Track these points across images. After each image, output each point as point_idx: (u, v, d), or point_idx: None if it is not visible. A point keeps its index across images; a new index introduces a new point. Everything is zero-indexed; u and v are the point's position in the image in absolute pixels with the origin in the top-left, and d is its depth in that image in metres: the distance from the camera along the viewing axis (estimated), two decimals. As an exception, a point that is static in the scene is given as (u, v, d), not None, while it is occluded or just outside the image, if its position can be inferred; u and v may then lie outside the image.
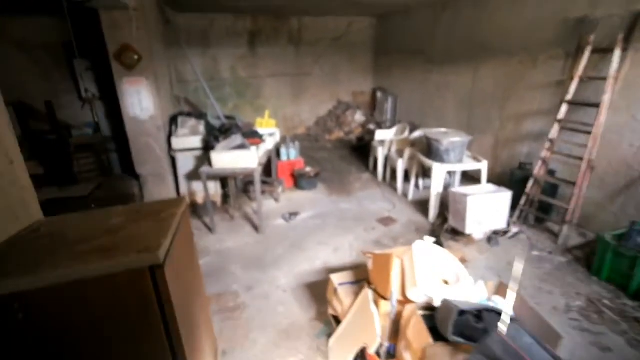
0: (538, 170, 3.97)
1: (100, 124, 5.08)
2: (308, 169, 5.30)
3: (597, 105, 3.45)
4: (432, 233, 3.98)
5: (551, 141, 3.87)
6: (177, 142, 4.30)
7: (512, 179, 4.42)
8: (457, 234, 3.83)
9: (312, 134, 8.33)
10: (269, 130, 4.82)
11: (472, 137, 4.05)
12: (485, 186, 3.95)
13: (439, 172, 4.08)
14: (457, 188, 3.86)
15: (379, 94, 8.37)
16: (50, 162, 4.35)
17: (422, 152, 4.49)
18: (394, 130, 5.83)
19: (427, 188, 5.23)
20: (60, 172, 4.27)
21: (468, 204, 3.57)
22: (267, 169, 5.37)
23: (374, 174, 5.78)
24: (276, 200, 4.86)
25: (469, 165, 4.16)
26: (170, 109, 4.87)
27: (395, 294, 1.96)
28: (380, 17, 8.00)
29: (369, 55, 8.57)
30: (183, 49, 5.80)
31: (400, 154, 5.16)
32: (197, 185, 4.51)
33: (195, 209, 4.52)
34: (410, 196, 4.89)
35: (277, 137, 5.00)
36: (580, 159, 3.56)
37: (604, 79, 3.39)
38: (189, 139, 4.31)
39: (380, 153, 5.50)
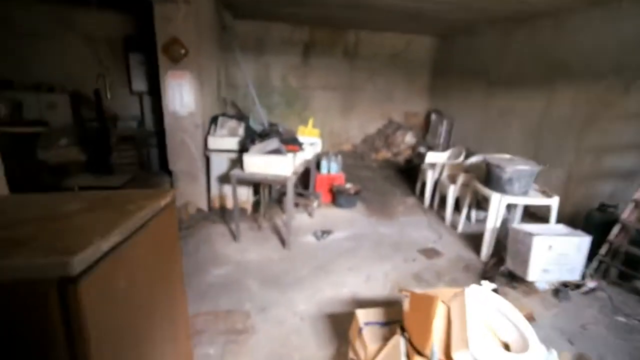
0: (628, 214, 3.25)
1: (145, 117, 5.09)
2: (348, 186, 4.89)
3: None
4: (484, 274, 3.37)
5: (648, 181, 3.16)
6: (213, 142, 4.12)
7: (588, 222, 3.69)
8: (515, 279, 3.20)
9: (358, 152, 7.94)
10: (311, 139, 4.51)
11: (542, 166, 3.43)
12: (555, 226, 3.30)
13: (498, 203, 3.49)
14: (520, 225, 3.25)
15: (433, 116, 7.83)
16: (92, 150, 4.35)
17: (479, 180, 3.92)
18: (447, 153, 5.28)
19: (480, 221, 4.61)
20: (100, 160, 4.25)
21: (533, 245, 2.95)
22: (305, 180, 5.04)
23: (421, 200, 5.23)
24: (310, 215, 4.50)
25: (536, 199, 3.52)
26: (215, 110, 4.75)
27: (437, 353, 1.48)
28: (442, 36, 7.56)
29: (426, 75, 8.11)
30: (235, 54, 5.75)
31: (452, 179, 4.60)
32: (229, 189, 4.27)
33: (224, 214, 4.27)
34: (460, 228, 4.29)
35: (319, 148, 4.68)
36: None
37: None
38: (225, 140, 4.12)
39: (430, 177, 4.97)
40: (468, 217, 4.51)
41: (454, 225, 4.43)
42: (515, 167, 3.43)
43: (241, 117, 4.54)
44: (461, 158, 4.90)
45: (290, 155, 3.47)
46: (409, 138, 8.02)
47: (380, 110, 8.20)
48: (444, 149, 7.12)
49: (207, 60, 4.37)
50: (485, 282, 1.82)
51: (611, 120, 3.86)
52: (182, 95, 3.88)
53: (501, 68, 5.70)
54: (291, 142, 3.88)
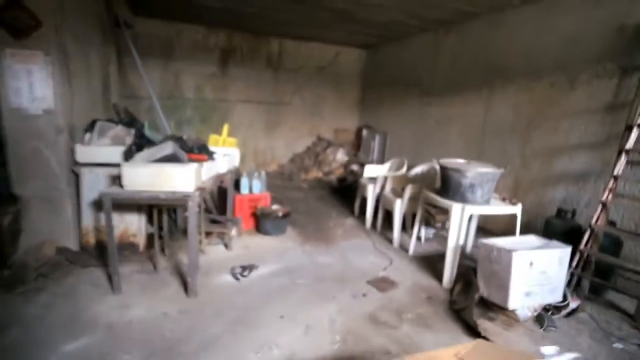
0: (596, 219, 2.84)
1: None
2: (275, 207, 3.99)
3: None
4: (452, 305, 2.68)
5: (615, 179, 2.80)
6: (84, 153, 2.95)
7: (547, 230, 3.27)
8: (489, 308, 2.55)
9: (286, 172, 7.11)
10: (226, 150, 3.56)
11: (503, 168, 2.93)
12: (525, 238, 2.76)
13: (460, 215, 2.88)
14: (490, 240, 2.64)
15: (364, 132, 7.39)
16: None
17: (431, 191, 3.32)
18: (387, 165, 4.71)
19: (430, 240, 4.02)
20: None
21: (513, 263, 2.34)
22: (221, 203, 4.03)
23: (361, 220, 4.52)
24: (227, 246, 3.47)
25: (500, 208, 2.99)
26: (98, 116, 3.55)
27: None
28: (371, 47, 7.28)
29: (355, 90, 7.74)
30: (133, 55, 4.66)
31: (397, 193, 3.98)
32: (113, 218, 3.08)
33: (103, 253, 3.04)
34: (412, 250, 3.62)
35: (237, 161, 3.74)
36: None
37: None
38: (104, 151, 2.98)
39: (371, 192, 4.30)
40: (418, 237, 3.88)
41: (403, 247, 3.76)
42: (476, 170, 2.87)
43: (131, 122, 3.43)
44: (404, 169, 4.34)
45: (193, 165, 2.48)
46: (341, 155, 7.45)
47: (309, 127, 7.55)
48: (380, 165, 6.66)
49: (80, 47, 3.24)
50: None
51: (557, 119, 3.59)
52: (31, 86, 2.70)
53: (435, 76, 5.43)
54: (196, 150, 2.90)
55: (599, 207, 2.84)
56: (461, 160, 3.28)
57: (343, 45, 7.20)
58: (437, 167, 3.83)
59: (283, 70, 6.99)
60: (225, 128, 3.91)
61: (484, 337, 2.23)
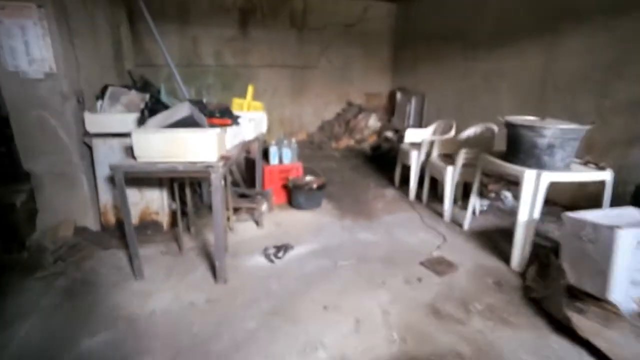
0: None
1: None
2: (309, 179, 3.59)
3: None
4: (528, 292, 2.23)
5: None
6: (95, 122, 2.61)
7: (638, 200, 2.70)
8: (579, 298, 2.08)
9: (316, 141, 6.66)
10: (251, 114, 3.14)
11: (589, 125, 2.36)
12: (621, 211, 2.23)
13: (534, 184, 2.36)
14: (580, 214, 2.14)
15: (399, 96, 6.77)
16: None
17: (493, 155, 2.80)
18: (431, 128, 4.17)
19: (484, 212, 3.53)
20: None
21: (617, 245, 1.84)
22: (250, 175, 3.67)
23: (403, 191, 4.06)
24: (258, 223, 3.12)
25: (586, 174, 2.44)
26: (112, 82, 3.20)
27: None
28: (402, 0, 6.49)
29: (387, 50, 7.03)
30: (145, 18, 4.23)
31: (447, 159, 3.47)
32: (132, 194, 2.78)
33: (125, 232, 2.76)
34: (467, 224, 3.15)
35: (264, 127, 3.32)
36: None
37: None
38: (117, 118, 2.63)
39: (414, 160, 3.80)
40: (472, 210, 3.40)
41: (455, 221, 3.30)
42: (557, 126, 2.31)
43: (146, 87, 3.06)
44: (452, 132, 3.79)
45: (215, 130, 2.08)
46: (373, 122, 6.89)
47: (338, 92, 6.99)
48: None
49: (82, 3, 2.84)
50: None
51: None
52: (27, 45, 2.34)
53: (481, 26, 4.70)
54: (218, 114, 2.49)
55: None
56: (531, 118, 2.71)
57: (373, -3, 6.47)
58: (495, 128, 3.29)
59: (308, 30, 6.38)
60: (250, 90, 3.48)
61: (578, 336, 1.79)
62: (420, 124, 6.17)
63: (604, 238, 1.90)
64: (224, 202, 2.17)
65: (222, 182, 2.11)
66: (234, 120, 2.54)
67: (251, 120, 2.85)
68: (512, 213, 3.47)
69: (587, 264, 2.00)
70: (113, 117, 2.60)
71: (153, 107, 2.46)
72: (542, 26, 3.82)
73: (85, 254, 2.59)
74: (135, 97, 2.92)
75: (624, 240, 1.84)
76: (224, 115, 2.48)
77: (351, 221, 3.29)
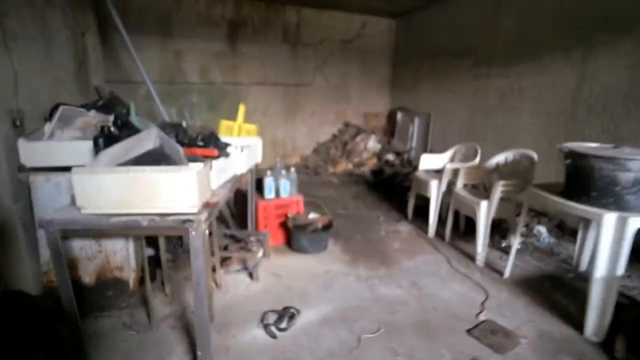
0: None
1: None
2: (312, 216, 2.98)
3: None
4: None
5: None
6: (34, 152, 1.97)
7: None
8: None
9: (311, 165, 6.09)
10: (244, 140, 2.55)
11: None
12: None
13: (617, 232, 1.82)
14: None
15: (399, 116, 6.30)
16: None
17: (544, 189, 2.26)
18: (449, 154, 3.65)
19: (520, 251, 2.97)
20: None
21: None
22: (241, 210, 3.05)
23: (418, 225, 3.51)
24: (252, 275, 2.48)
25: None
26: (71, 100, 2.56)
27: None
28: (403, 15, 6.12)
29: (386, 67, 6.61)
30: (119, 29, 3.67)
31: (476, 192, 2.93)
32: (86, 245, 2.11)
33: (77, 295, 2.05)
34: (508, 271, 2.58)
35: (259, 155, 2.72)
36: None
37: None
38: (66, 147, 2.00)
39: (434, 191, 3.25)
40: (504, 249, 2.86)
41: (490, 266, 2.73)
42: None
43: (110, 105, 2.44)
44: (477, 159, 3.27)
45: (194, 167, 1.47)
46: (373, 144, 6.38)
47: (334, 112, 6.49)
48: (419, 153, 5.60)
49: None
50: None
51: None
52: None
53: (495, 39, 4.29)
54: (201, 142, 1.89)
55: None
56: (593, 144, 2.20)
57: (370, 13, 6.07)
58: (534, 156, 2.77)
59: (302, 46, 5.91)
60: (242, 110, 2.89)
61: None
62: (425, 146, 5.69)
63: None
64: (207, 267, 1.54)
65: (203, 241, 1.48)
66: (223, 150, 1.93)
67: (244, 149, 2.24)
68: (552, 253, 2.96)
69: None
70: (60, 146, 1.97)
71: (113, 134, 1.84)
72: (572, 38, 3.39)
73: (13, 330, 1.89)
74: (95, 119, 2.30)
75: None
76: (208, 144, 1.88)
77: (366, 269, 2.68)
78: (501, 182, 2.61)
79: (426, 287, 2.44)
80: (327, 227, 2.91)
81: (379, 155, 6.27)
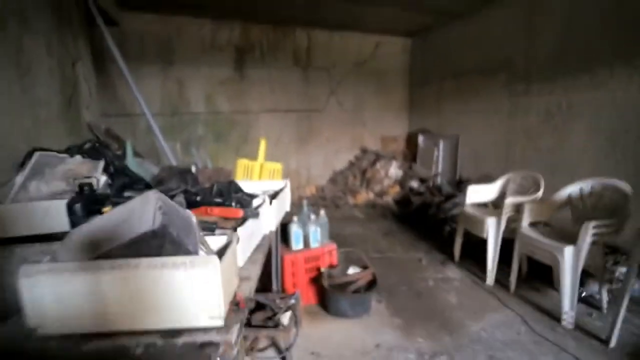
0: None
1: None
2: (352, 271, 2.43)
3: None
4: None
5: None
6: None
7: None
8: None
9: (328, 197, 5.58)
10: (269, 184, 2.04)
11: None
12: None
13: None
14: None
15: (421, 139, 5.83)
16: None
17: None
18: (498, 183, 3.12)
19: (610, 304, 2.38)
20: None
21: None
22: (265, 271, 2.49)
23: (468, 268, 2.95)
24: (283, 350, 1.91)
25: None
26: (57, 142, 2.09)
27: None
28: (419, 33, 5.74)
29: (402, 88, 6.20)
30: (115, 59, 3.27)
31: (548, 231, 2.38)
32: None
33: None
34: (614, 339, 2.00)
35: (287, 201, 2.21)
36: None
37: None
38: (33, 209, 1.48)
39: (493, 230, 2.70)
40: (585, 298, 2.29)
41: (580, 327, 2.15)
42: None
43: (98, 148, 1.95)
44: (540, 192, 2.74)
45: (218, 247, 0.94)
46: (394, 170, 5.88)
47: (350, 137, 6.03)
48: (452, 181, 5.08)
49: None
50: None
51: None
52: None
53: (533, 51, 3.84)
54: (219, 198, 1.38)
55: None
56: None
57: (384, 33, 5.70)
58: (625, 187, 2.24)
59: (313, 69, 5.52)
60: (263, 146, 2.40)
61: None
62: (453, 172, 5.17)
63: None
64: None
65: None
66: (249, 206, 1.42)
67: (272, 197, 1.73)
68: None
69: None
70: (21, 208, 1.45)
71: (97, 196, 1.33)
72: (631, 46, 2.92)
73: None
74: (83, 166, 1.81)
75: None
76: (229, 199, 1.37)
77: (427, 339, 2.10)
78: (593, 224, 2.07)
79: (510, 366, 1.86)
80: (371, 284, 2.36)
81: (401, 182, 5.76)
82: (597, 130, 3.26)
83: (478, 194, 3.09)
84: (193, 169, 1.76)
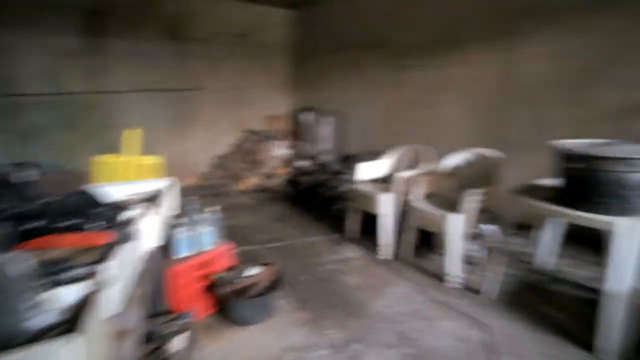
0: None
1: None
2: (251, 271, 2.20)
3: None
4: None
5: None
6: None
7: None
8: None
9: (214, 185, 5.14)
10: (149, 185, 1.63)
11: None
12: None
13: (629, 239, 1.58)
14: None
15: (305, 116, 5.79)
16: None
17: (541, 197, 1.96)
18: (387, 159, 3.24)
19: (482, 259, 2.71)
20: None
21: None
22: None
23: (366, 245, 3.02)
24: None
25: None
26: None
27: None
28: (302, 5, 5.58)
29: (287, 63, 6.01)
30: None
31: (438, 203, 2.55)
32: None
33: None
34: (493, 290, 2.26)
35: (174, 203, 1.82)
36: None
37: None
38: None
39: (389, 206, 2.79)
40: (469, 261, 2.55)
41: (470, 288, 2.38)
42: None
43: None
44: (428, 164, 2.91)
45: (72, 292, 0.61)
46: (281, 150, 5.73)
47: (233, 118, 5.63)
48: (340, 158, 5.18)
49: None
50: None
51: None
52: None
53: (412, 29, 4.06)
54: (75, 220, 0.98)
55: None
56: (583, 140, 1.97)
57: (268, 3, 5.37)
58: (498, 156, 2.52)
59: (190, 42, 4.88)
60: (135, 136, 1.91)
61: None
62: (342, 148, 5.29)
63: None
64: None
65: None
66: (118, 225, 1.05)
67: (156, 203, 1.35)
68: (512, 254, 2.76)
69: None
70: None
71: None
72: (496, 27, 3.29)
73: None
74: None
75: None
76: (90, 219, 0.98)
77: (337, 329, 2.04)
78: (469, 191, 2.26)
79: (419, 338, 1.93)
80: (275, 284, 2.17)
81: (290, 163, 5.66)
82: (465, 104, 3.64)
83: (367, 170, 3.15)
84: (28, 176, 1.26)
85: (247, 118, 5.79)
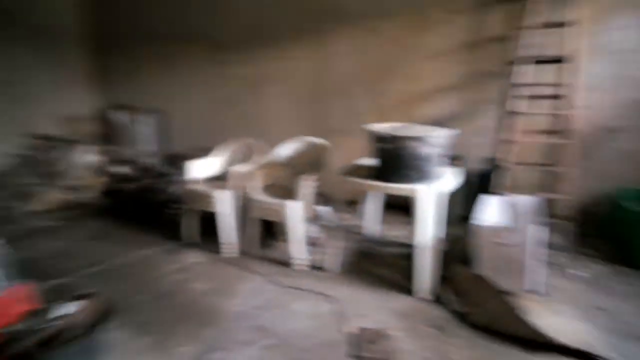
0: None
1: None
2: (62, 310, 1.74)
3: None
4: (464, 318, 1.86)
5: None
6: None
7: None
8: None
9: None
10: None
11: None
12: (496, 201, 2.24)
13: (431, 202, 2.01)
14: (489, 222, 1.94)
15: (117, 116, 5.02)
16: None
17: (359, 175, 2.24)
18: (217, 155, 3.12)
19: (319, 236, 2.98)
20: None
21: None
22: None
23: (207, 246, 2.85)
24: None
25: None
26: None
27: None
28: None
29: (83, 54, 5.00)
30: None
31: (279, 192, 2.61)
32: None
33: None
34: (337, 264, 2.48)
35: None
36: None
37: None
38: None
39: (227, 203, 2.68)
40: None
41: (317, 266, 2.55)
42: (441, 133, 2.02)
43: None
44: (260, 157, 2.93)
45: None
46: (87, 157, 4.79)
47: (13, 122, 4.36)
48: (166, 159, 4.70)
49: None
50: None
51: (416, 62, 3.20)
52: None
53: (232, 24, 3.98)
54: None
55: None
56: (386, 125, 2.33)
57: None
58: (323, 144, 2.75)
59: None
60: None
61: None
62: (166, 148, 4.81)
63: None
64: None
65: None
66: None
67: None
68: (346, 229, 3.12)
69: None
70: None
71: None
72: (304, 27, 3.58)
73: None
74: None
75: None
76: None
77: (190, 343, 1.84)
78: (305, 178, 2.40)
79: (277, 326, 1.95)
80: (100, 316, 1.78)
81: (105, 170, 4.80)
82: (289, 96, 3.86)
83: (199, 168, 2.96)
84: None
85: (33, 121, 4.57)
